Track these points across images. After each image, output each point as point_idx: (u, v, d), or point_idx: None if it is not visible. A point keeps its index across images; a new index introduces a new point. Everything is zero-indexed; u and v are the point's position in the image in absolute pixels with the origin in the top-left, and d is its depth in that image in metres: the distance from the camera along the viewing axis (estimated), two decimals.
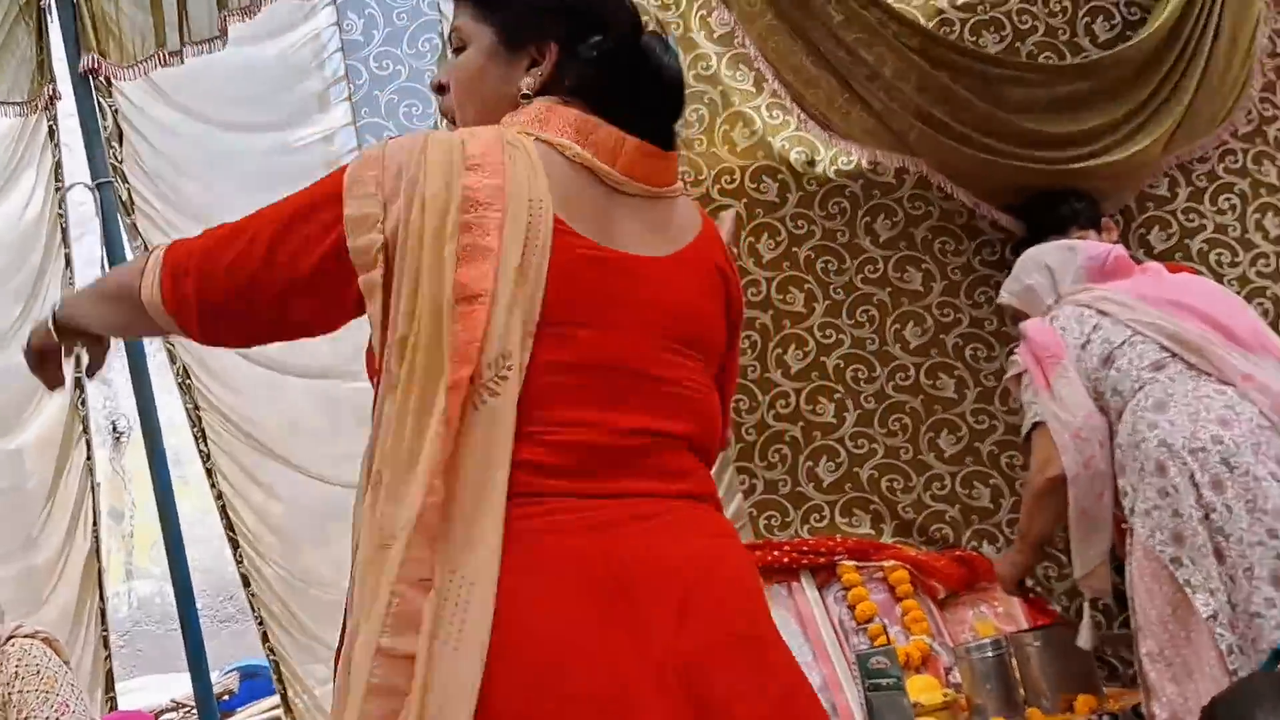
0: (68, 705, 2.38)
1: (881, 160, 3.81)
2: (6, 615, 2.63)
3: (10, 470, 3.71)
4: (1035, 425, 2.96)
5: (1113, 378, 2.84)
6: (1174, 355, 2.80)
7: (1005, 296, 3.33)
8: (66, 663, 2.49)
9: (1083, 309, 3.00)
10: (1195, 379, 2.75)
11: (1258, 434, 2.63)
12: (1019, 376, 3.05)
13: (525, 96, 1.43)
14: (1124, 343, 2.86)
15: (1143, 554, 2.67)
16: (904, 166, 3.82)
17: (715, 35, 3.95)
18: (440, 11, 3.95)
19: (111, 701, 3.74)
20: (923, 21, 3.87)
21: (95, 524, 3.80)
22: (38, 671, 2.39)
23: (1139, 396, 2.77)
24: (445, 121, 1.54)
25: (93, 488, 3.83)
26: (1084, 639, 2.98)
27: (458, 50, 1.48)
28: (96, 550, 3.78)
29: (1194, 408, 2.69)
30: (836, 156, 3.91)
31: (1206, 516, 2.58)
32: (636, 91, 1.45)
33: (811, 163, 3.93)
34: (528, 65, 1.45)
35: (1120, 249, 3.20)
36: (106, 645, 3.78)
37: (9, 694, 2.36)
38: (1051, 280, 3.15)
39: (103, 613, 3.78)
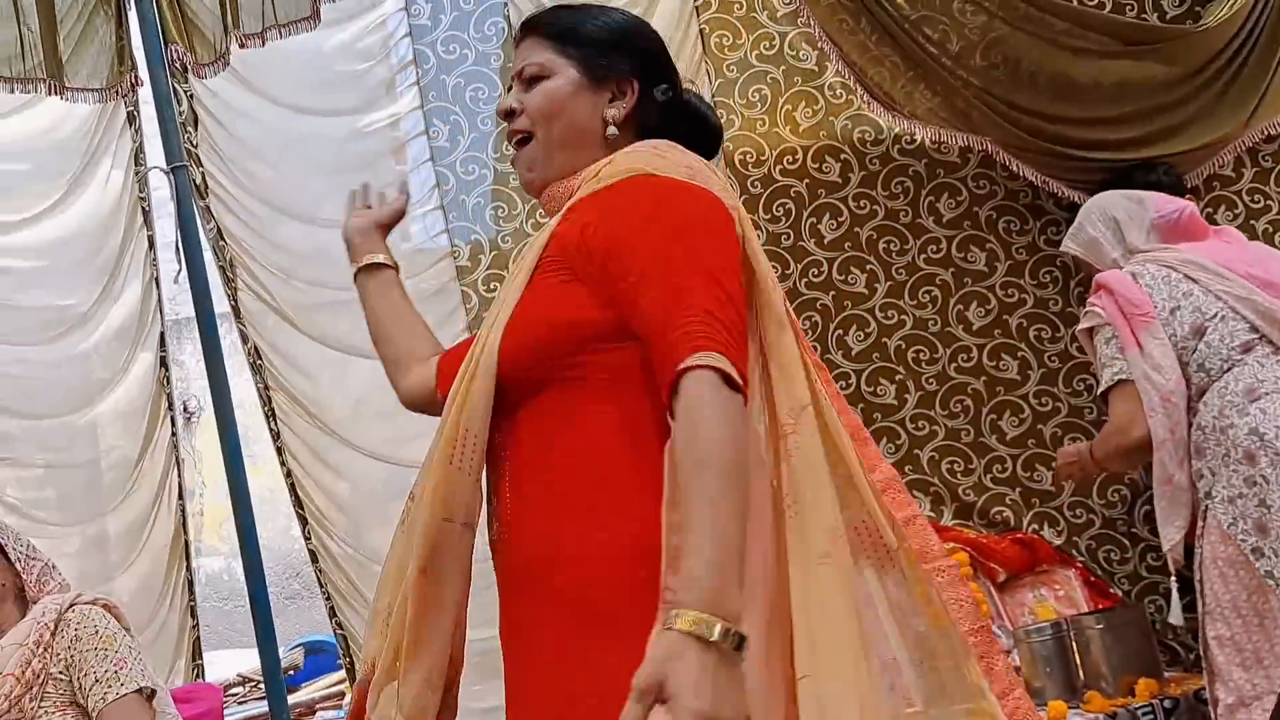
0: (125, 662, 2.48)
1: (945, 139, 3.77)
2: (75, 584, 2.74)
3: (86, 443, 3.84)
4: (1119, 383, 2.86)
5: (1201, 352, 2.77)
6: (1262, 337, 2.75)
7: (1069, 245, 3.21)
8: (127, 630, 2.59)
9: (1169, 270, 2.89)
10: None
11: None
12: (1093, 330, 2.94)
13: (612, 129, 1.53)
14: (1216, 316, 2.78)
15: (1220, 538, 2.65)
16: (968, 145, 3.79)
17: (779, 15, 3.95)
18: None
19: (199, 669, 3.88)
20: None
21: (181, 498, 3.92)
22: (96, 632, 2.49)
23: (1227, 379, 2.72)
24: (510, 144, 1.63)
25: (177, 462, 3.95)
26: (1175, 615, 2.89)
27: (535, 79, 1.56)
28: (184, 524, 3.91)
29: None
30: (900, 136, 3.89)
31: None
32: (699, 137, 1.61)
33: (876, 141, 3.91)
34: (609, 99, 1.56)
35: (1193, 206, 3.10)
36: (194, 615, 3.91)
37: (70, 656, 2.47)
38: (1118, 233, 3.05)
39: (190, 584, 3.91)
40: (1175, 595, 2.83)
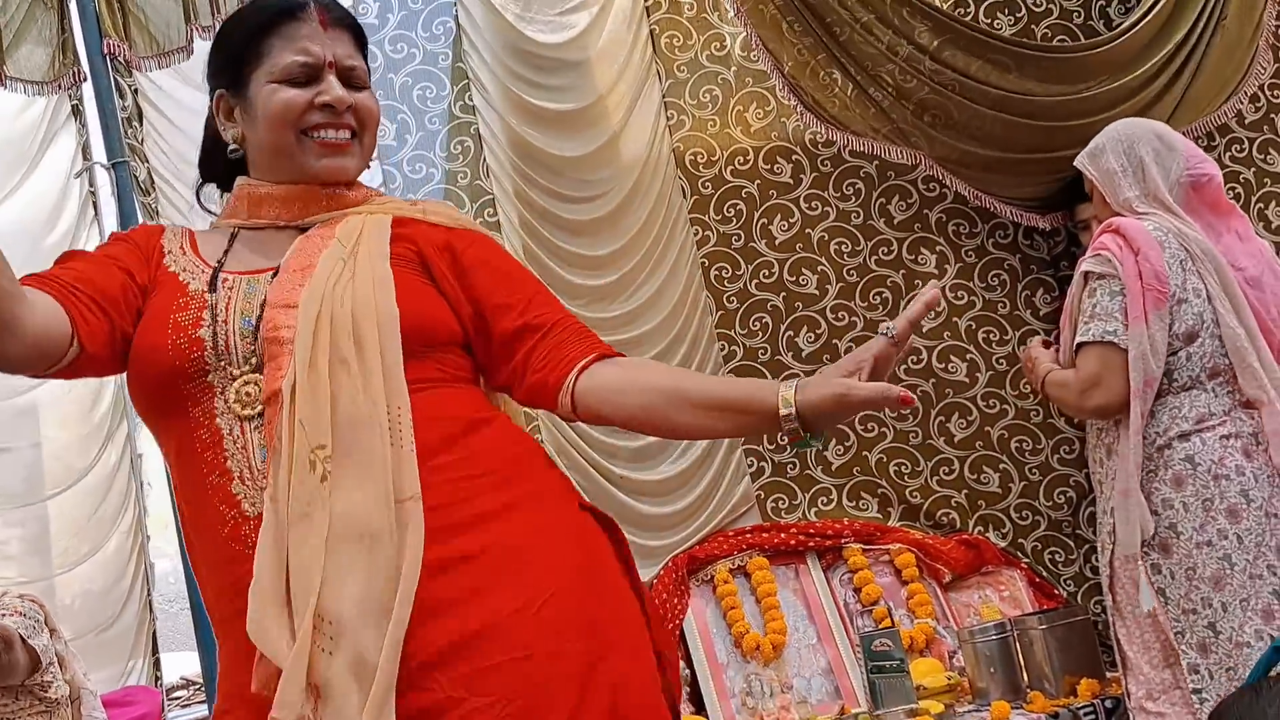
0: (25, 616, 2.49)
1: (886, 151, 3.77)
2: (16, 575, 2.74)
3: (28, 430, 3.82)
4: (1104, 343, 2.64)
5: (1179, 359, 2.65)
6: (1229, 365, 2.66)
7: (1084, 164, 2.90)
8: (53, 630, 2.58)
9: (1188, 256, 2.68)
10: (1232, 398, 2.68)
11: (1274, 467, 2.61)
12: (1097, 275, 2.70)
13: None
14: (1207, 329, 2.66)
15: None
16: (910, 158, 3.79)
17: (729, 16, 3.95)
18: None
19: (157, 663, 3.83)
20: (938, 3, 3.85)
21: (139, 493, 3.88)
22: (7, 606, 2.51)
23: (1182, 399, 2.66)
24: (320, 133, 1.51)
25: (133, 458, 3.91)
26: (1146, 600, 2.68)
27: (362, 88, 1.56)
28: (141, 521, 3.87)
29: (1226, 430, 2.65)
30: (849, 138, 3.90)
31: (1209, 542, 2.57)
32: None
33: (828, 143, 3.91)
34: None
35: (1219, 175, 2.86)
36: (151, 610, 3.87)
37: None
38: (1140, 173, 2.78)
39: (147, 581, 3.86)
40: (1145, 580, 2.66)
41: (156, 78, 3.75)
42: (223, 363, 1.36)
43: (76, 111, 3.78)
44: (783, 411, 1.32)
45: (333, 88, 1.50)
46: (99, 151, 3.65)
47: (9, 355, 1.32)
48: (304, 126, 1.49)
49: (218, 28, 3.42)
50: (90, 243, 3.83)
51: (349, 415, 1.32)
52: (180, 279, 1.46)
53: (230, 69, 1.53)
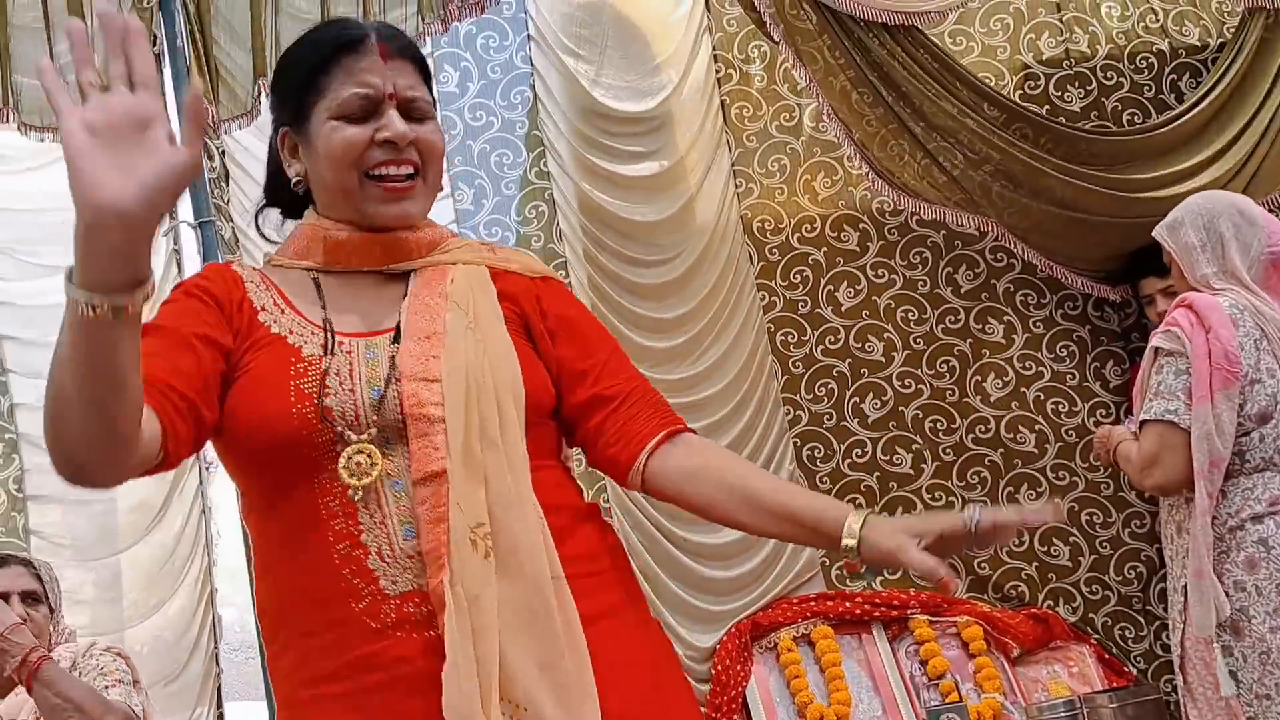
0: (121, 682, 2.51)
1: (956, 219, 3.79)
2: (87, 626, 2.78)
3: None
4: (1165, 422, 2.61)
5: (1251, 439, 2.61)
6: None
7: (1163, 236, 2.84)
8: (137, 680, 2.61)
9: (1261, 334, 2.63)
10: None
11: None
12: (1166, 352, 2.66)
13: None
14: (1278, 410, 2.62)
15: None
16: (979, 226, 3.80)
17: (799, 88, 4.00)
18: (532, 65, 4.07)
19: (221, 715, 3.88)
20: (1008, 76, 3.89)
21: (208, 544, 3.95)
22: (101, 669, 2.53)
23: (1255, 480, 2.60)
24: (379, 169, 1.42)
25: (204, 510, 3.99)
26: (1226, 685, 2.62)
27: (425, 119, 1.46)
28: (210, 571, 3.94)
29: None
30: (919, 207, 3.92)
31: None
32: None
33: (895, 212, 3.94)
34: None
35: None
36: (217, 663, 3.92)
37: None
38: (1219, 249, 2.73)
39: (214, 631, 3.92)
40: (1222, 664, 2.59)
41: (241, 138, 3.87)
42: (349, 432, 1.31)
43: None
44: (845, 543, 1.35)
45: (393, 122, 1.40)
46: (185, 210, 3.77)
47: (121, 471, 1.23)
48: (366, 167, 1.41)
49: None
50: None
51: (499, 494, 1.30)
52: (289, 341, 1.37)
53: (291, 103, 1.45)
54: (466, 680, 1.21)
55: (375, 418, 1.32)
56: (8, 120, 3.50)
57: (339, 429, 1.31)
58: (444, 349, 1.35)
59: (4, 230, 3.98)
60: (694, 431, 1.47)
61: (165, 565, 3.83)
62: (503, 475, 1.31)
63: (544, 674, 1.25)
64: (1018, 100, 3.78)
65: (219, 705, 3.86)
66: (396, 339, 1.38)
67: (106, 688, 2.49)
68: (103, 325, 1.05)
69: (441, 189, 1.50)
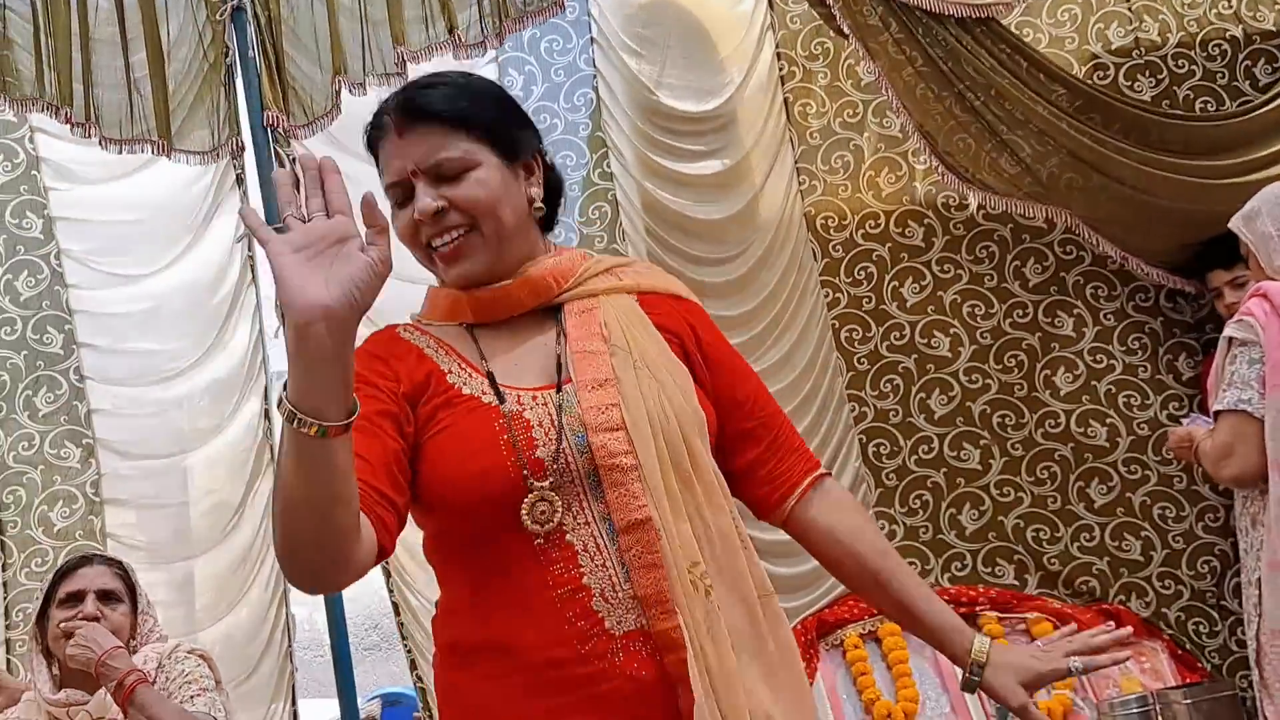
0: (206, 690, 2.57)
1: (1026, 210, 3.75)
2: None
3: (180, 487, 4.05)
4: (1239, 411, 2.61)
5: None
6: None
7: (1239, 227, 2.83)
8: (219, 682, 2.67)
9: None
10: None
11: None
12: (1240, 341, 2.65)
13: (539, 206, 1.52)
14: None
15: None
16: (1050, 216, 3.76)
17: (863, 84, 3.99)
18: (595, 67, 4.11)
19: (294, 714, 3.95)
20: (1076, 67, 3.84)
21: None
22: (185, 673, 2.60)
23: None
24: (427, 243, 1.45)
25: None
26: None
27: (461, 174, 1.43)
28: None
29: None
30: (985, 200, 3.89)
31: None
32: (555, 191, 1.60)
33: (960, 206, 3.91)
34: (526, 177, 1.51)
35: None
36: (291, 660, 4.00)
37: (166, 693, 2.56)
38: None
39: (288, 630, 4.00)
40: None
41: (311, 145, 3.95)
42: (566, 481, 1.37)
43: (240, 180, 4.02)
44: (962, 674, 1.53)
45: (419, 199, 1.42)
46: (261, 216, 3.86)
47: (352, 570, 1.28)
48: (423, 243, 1.45)
49: (366, 86, 3.64)
50: (248, 304, 4.05)
51: (705, 529, 1.38)
52: (483, 400, 1.41)
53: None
54: (713, 716, 1.30)
55: (577, 466, 1.37)
56: (90, 135, 3.61)
57: (527, 479, 1.35)
58: (620, 395, 1.39)
59: (81, 240, 4.09)
60: (829, 474, 1.59)
61: (239, 567, 3.92)
62: (701, 510, 1.39)
63: (771, 690, 1.37)
64: (1086, 89, 3.72)
65: (293, 703, 3.94)
66: (559, 387, 1.43)
67: (193, 696, 2.55)
68: (314, 442, 1.13)
69: (527, 225, 1.49)
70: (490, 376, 1.43)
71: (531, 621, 1.34)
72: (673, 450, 1.37)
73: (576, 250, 1.56)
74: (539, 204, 1.51)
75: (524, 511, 1.34)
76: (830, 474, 1.59)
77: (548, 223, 1.57)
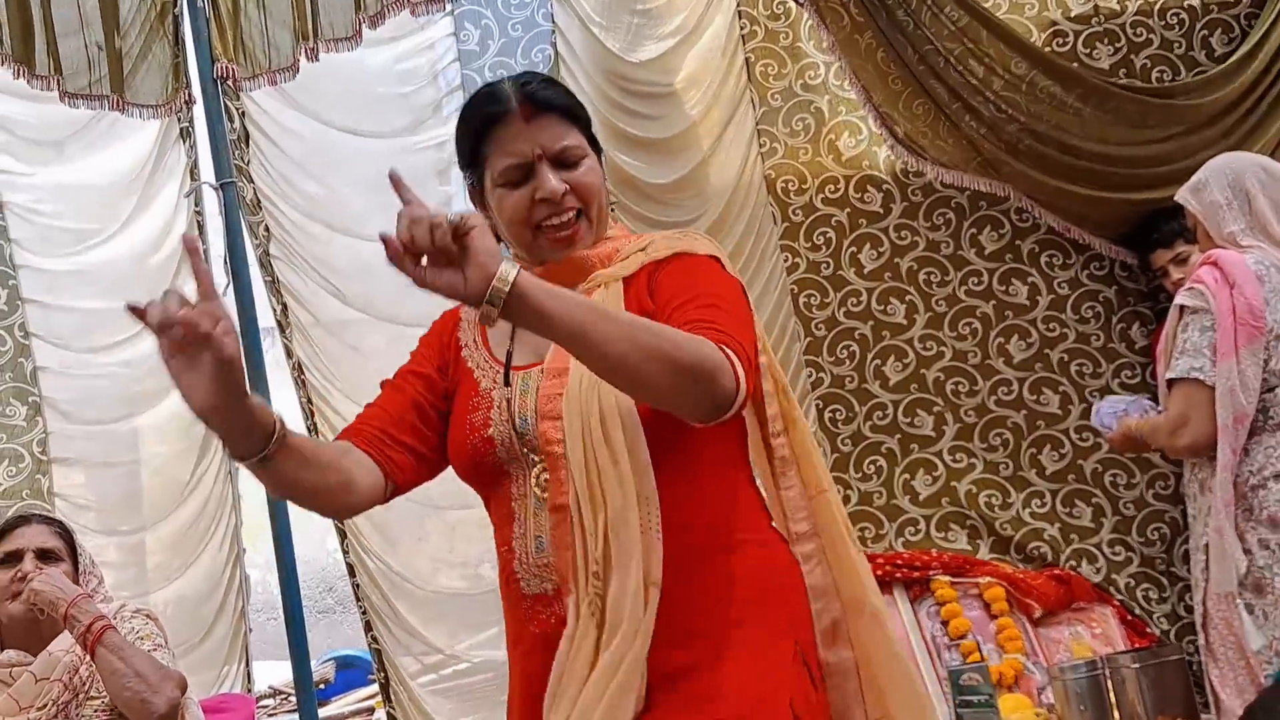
0: (160, 647, 2.53)
1: (973, 183, 3.76)
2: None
3: (129, 449, 3.97)
4: (1191, 380, 2.62)
5: (1276, 395, 2.59)
6: None
7: (1186, 198, 2.83)
8: (166, 642, 2.62)
9: None
10: None
11: None
12: (1191, 309, 2.66)
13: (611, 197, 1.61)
14: None
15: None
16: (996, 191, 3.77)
17: (823, 46, 3.96)
18: (554, 23, 4.03)
19: (248, 675, 3.92)
20: (1035, 33, 3.83)
21: (236, 506, 3.98)
22: (134, 631, 2.55)
23: (1279, 438, 2.58)
24: (547, 222, 1.55)
25: (231, 472, 4.01)
26: (1254, 640, 2.61)
27: (578, 161, 1.56)
28: (238, 532, 3.97)
29: None
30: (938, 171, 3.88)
31: None
32: None
33: (919, 173, 3.91)
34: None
35: None
36: (246, 621, 3.94)
37: None
38: (1245, 205, 2.72)
39: (242, 591, 3.94)
40: (1247, 619, 2.60)
41: (261, 100, 3.85)
42: (513, 459, 1.52)
43: (185, 134, 3.91)
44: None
45: (546, 180, 1.53)
46: (208, 172, 3.77)
47: (345, 511, 1.64)
48: (534, 223, 1.55)
49: (319, 51, 3.56)
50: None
51: (615, 520, 1.42)
52: (475, 375, 1.60)
53: (469, 166, 1.62)
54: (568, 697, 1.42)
55: (516, 446, 1.51)
56: (50, 88, 3.49)
57: (503, 456, 1.53)
58: (566, 387, 1.49)
59: (24, 195, 3.98)
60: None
61: (191, 529, 3.85)
62: (616, 497, 1.43)
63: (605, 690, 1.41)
64: (1045, 57, 3.72)
65: (248, 664, 3.90)
66: (539, 369, 1.56)
67: (149, 651, 2.51)
68: (261, 471, 1.41)
69: (607, 215, 1.63)
70: (489, 353, 1.60)
71: (502, 572, 1.56)
72: (594, 443, 1.44)
73: (621, 227, 1.68)
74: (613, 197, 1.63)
75: (532, 480, 1.51)
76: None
77: None
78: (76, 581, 2.62)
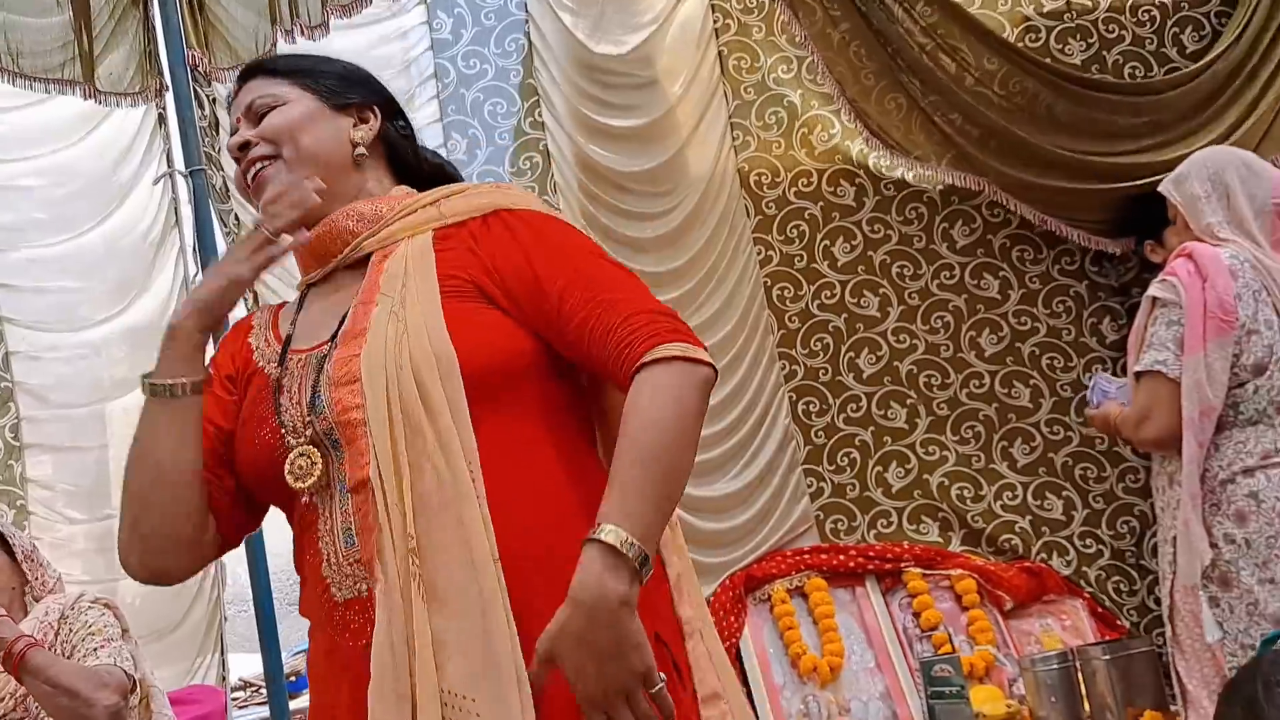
0: (109, 644, 2.47)
1: (947, 177, 3.77)
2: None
3: (98, 434, 3.93)
4: (1155, 373, 2.66)
5: (1245, 391, 2.62)
6: None
7: (1169, 190, 2.88)
8: (126, 630, 2.57)
9: (1261, 286, 2.64)
10: None
11: None
12: (1161, 302, 2.69)
13: (360, 149, 1.50)
14: (1276, 362, 2.62)
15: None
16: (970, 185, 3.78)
17: (797, 40, 3.95)
18: (528, 12, 4.02)
19: (224, 665, 3.87)
20: (1008, 28, 3.85)
21: None
22: (88, 624, 2.50)
23: (1249, 433, 2.62)
24: (247, 179, 1.50)
25: None
26: (1211, 631, 2.64)
27: (265, 112, 1.49)
28: None
29: None
30: (913, 164, 3.89)
31: (1273, 579, 2.54)
32: (425, 173, 1.59)
33: (891, 167, 3.92)
34: (353, 124, 1.52)
35: None
36: (222, 610, 3.90)
37: (67, 651, 2.46)
38: (1224, 199, 2.76)
39: (218, 582, 3.89)
40: (1208, 611, 2.62)
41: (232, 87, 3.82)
42: (290, 438, 1.34)
43: (162, 120, 3.88)
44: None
45: (233, 138, 1.51)
46: (178, 159, 3.74)
47: (174, 571, 1.44)
48: (250, 187, 1.50)
49: (295, 35, 3.52)
50: (171, 249, 3.93)
51: (433, 486, 1.25)
52: (265, 371, 1.44)
53: None
54: (387, 697, 1.21)
55: (313, 427, 1.33)
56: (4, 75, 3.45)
57: (287, 440, 1.34)
58: (364, 347, 1.32)
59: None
60: (654, 361, 1.28)
61: None
62: (435, 463, 1.26)
63: (476, 663, 1.20)
64: (1018, 51, 3.74)
65: (222, 653, 3.86)
66: (333, 340, 1.38)
67: (96, 649, 2.45)
68: (165, 407, 1.37)
69: (340, 158, 1.49)
70: (285, 342, 1.44)
71: (304, 588, 1.38)
72: (405, 399, 1.27)
73: (404, 191, 1.51)
74: (361, 148, 1.50)
75: (286, 469, 1.33)
76: (641, 367, 1.28)
77: (410, 183, 1.55)
78: (20, 573, 2.58)
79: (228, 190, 3.73)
